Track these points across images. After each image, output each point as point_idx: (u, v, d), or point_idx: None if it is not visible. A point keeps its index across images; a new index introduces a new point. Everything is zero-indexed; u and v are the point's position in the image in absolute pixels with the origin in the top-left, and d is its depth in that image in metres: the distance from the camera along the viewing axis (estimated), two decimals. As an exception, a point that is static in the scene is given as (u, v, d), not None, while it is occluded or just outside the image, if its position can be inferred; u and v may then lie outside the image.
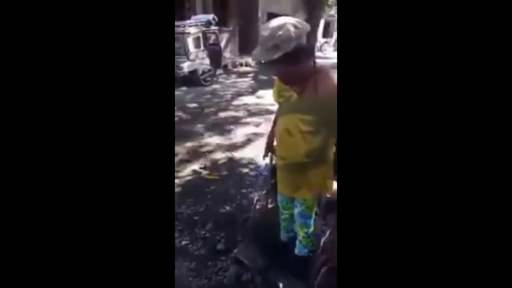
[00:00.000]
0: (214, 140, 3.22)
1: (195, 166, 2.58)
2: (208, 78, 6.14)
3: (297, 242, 1.40)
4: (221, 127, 3.64)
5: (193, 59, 5.74)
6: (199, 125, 3.70)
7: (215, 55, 6.21)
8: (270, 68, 0.96)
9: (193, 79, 5.83)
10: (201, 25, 5.92)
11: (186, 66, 5.58)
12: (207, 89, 5.82)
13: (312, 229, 1.34)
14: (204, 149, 2.96)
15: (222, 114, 4.21)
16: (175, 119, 3.93)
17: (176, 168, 2.51)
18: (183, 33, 5.46)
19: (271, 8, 10.72)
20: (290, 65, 0.90)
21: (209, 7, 8.48)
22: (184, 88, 5.69)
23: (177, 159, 2.71)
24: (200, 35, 5.84)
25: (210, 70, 6.13)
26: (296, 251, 1.42)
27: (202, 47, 5.93)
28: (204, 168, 2.56)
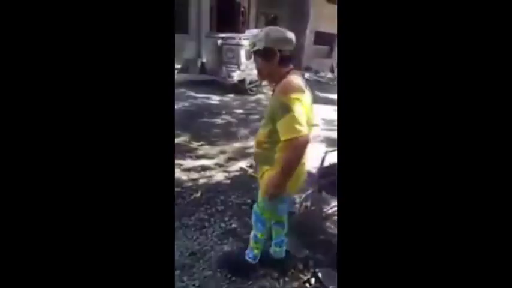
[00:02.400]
0: (258, 144, 3.47)
1: (242, 164, 2.83)
2: (254, 88, 6.49)
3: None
4: (265, 133, 3.87)
5: (243, 69, 6.16)
6: (244, 130, 3.99)
7: (263, 67, 6.57)
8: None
9: (240, 88, 6.22)
10: (255, 39, 6.34)
11: (236, 75, 6.00)
12: (253, 97, 6.16)
13: (259, 234, 1.37)
14: (250, 151, 3.21)
15: (266, 122, 4.45)
16: (224, 121, 4.28)
17: (225, 164, 2.79)
18: (237, 44, 5.92)
19: (320, 27, 10.98)
20: (260, 60, 1.16)
21: (261, 22, 9.00)
22: (231, 95, 6.09)
23: (225, 156, 2.99)
24: (252, 48, 6.26)
25: (256, 81, 6.48)
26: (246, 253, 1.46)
27: (252, 59, 6.33)
28: (250, 166, 2.80)
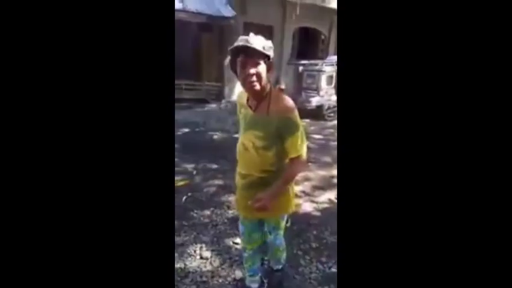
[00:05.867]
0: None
1: (330, 195, 2.56)
2: (331, 114, 6.23)
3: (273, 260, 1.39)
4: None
5: (322, 95, 6.01)
6: (327, 157, 3.73)
7: (342, 93, 6.33)
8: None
9: (317, 113, 6.05)
10: (336, 64, 6.20)
11: (314, 101, 5.88)
12: (330, 123, 5.90)
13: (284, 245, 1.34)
14: (335, 180, 2.93)
15: (348, 151, 4.11)
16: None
17: (312, 193, 2.57)
18: (319, 70, 5.85)
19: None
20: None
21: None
22: (308, 120, 5.95)
23: (310, 184, 2.78)
24: (334, 74, 6.11)
25: (334, 106, 6.23)
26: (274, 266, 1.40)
27: (333, 85, 6.15)
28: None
